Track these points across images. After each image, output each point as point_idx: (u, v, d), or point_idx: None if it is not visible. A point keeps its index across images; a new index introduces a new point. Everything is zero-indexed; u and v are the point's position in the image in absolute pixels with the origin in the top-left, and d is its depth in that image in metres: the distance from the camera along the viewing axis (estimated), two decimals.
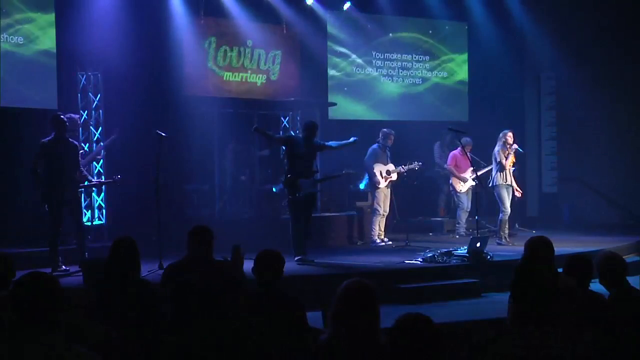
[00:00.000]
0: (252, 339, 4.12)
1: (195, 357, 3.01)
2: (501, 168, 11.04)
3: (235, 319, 4.14)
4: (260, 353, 4.23)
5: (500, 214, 11.14)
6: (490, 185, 11.25)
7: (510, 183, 11.13)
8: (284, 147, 9.88)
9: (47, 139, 8.63)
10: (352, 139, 9.92)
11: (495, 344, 3.23)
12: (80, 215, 9.03)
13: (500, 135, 11.16)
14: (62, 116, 8.80)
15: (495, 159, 11.13)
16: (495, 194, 11.17)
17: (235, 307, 4.64)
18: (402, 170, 11.42)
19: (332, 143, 9.89)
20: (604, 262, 4.74)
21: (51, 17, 10.30)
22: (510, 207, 11.19)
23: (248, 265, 5.19)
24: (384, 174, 11.37)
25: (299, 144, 9.43)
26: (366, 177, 11.82)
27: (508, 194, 11.12)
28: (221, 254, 5.73)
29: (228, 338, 3.02)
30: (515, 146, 11.09)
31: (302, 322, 4.65)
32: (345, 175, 10.08)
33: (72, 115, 9.75)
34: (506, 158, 11.03)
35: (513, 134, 11.21)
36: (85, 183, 9.15)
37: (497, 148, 11.14)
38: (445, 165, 12.51)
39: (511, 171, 11.17)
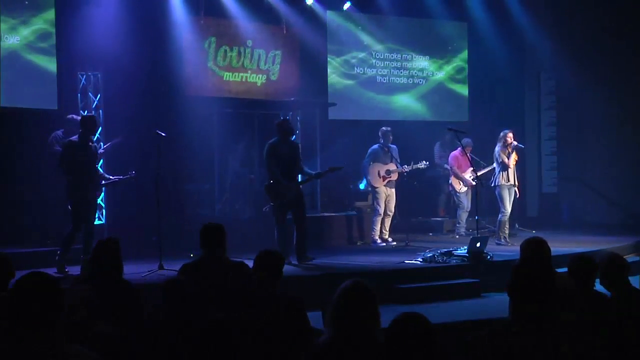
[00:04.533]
0: (253, 338, 4.12)
1: (196, 356, 3.01)
2: (504, 168, 11.03)
3: (237, 319, 4.14)
4: (262, 353, 4.24)
5: (500, 215, 11.13)
6: (492, 185, 11.23)
7: (513, 183, 11.10)
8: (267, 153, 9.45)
9: (73, 138, 8.59)
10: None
11: (493, 342, 3.23)
12: (94, 216, 9.02)
13: (501, 135, 11.16)
14: (92, 115, 8.75)
15: (497, 160, 11.12)
16: (497, 193, 11.16)
17: (248, 309, 4.62)
18: (404, 170, 11.38)
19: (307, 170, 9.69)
20: (604, 263, 4.74)
21: (51, 17, 10.30)
22: (511, 207, 11.17)
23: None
24: (382, 174, 11.34)
25: (278, 146, 9.26)
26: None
27: (510, 195, 11.10)
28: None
29: (230, 337, 3.02)
30: (514, 143, 11.08)
31: (303, 322, 4.65)
32: (331, 171, 9.84)
33: (74, 116, 9.77)
34: (508, 157, 11.03)
35: (513, 134, 11.20)
36: (104, 182, 9.14)
37: (497, 148, 11.13)
38: (446, 165, 12.53)
39: (515, 171, 11.16)
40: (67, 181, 8.54)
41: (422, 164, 11.48)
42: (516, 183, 11.16)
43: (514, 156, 11.09)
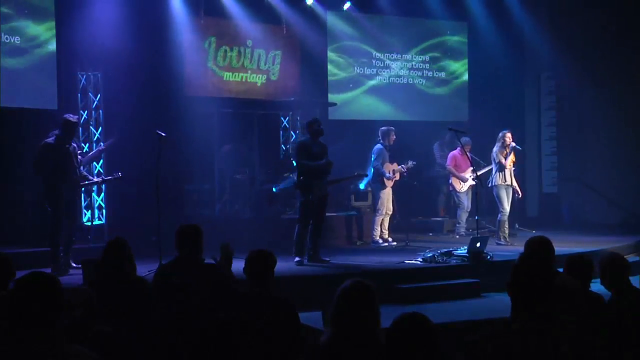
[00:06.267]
0: (244, 339, 4.11)
1: (189, 356, 3.01)
2: (500, 168, 11.05)
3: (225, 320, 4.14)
4: (252, 354, 4.22)
5: (499, 215, 11.14)
6: (489, 185, 11.26)
7: (510, 183, 11.12)
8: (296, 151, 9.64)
9: (50, 139, 8.60)
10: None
11: (493, 342, 3.23)
12: (76, 216, 9.01)
13: (500, 135, 11.17)
14: (72, 119, 8.75)
15: (494, 160, 11.14)
16: (494, 194, 11.18)
17: (224, 309, 4.60)
18: (404, 170, 11.37)
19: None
20: (605, 263, 4.74)
21: (51, 17, 10.30)
22: (510, 207, 11.17)
23: (239, 264, 5.14)
24: (391, 174, 11.36)
25: (311, 145, 9.34)
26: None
27: (507, 195, 11.11)
28: (211, 253, 5.60)
29: (219, 338, 3.02)
30: (513, 144, 11.09)
31: (293, 323, 4.61)
32: (357, 177, 10.05)
33: (71, 116, 9.75)
34: (505, 158, 11.04)
35: (512, 134, 11.21)
36: (86, 182, 9.15)
37: (495, 148, 11.15)
38: (446, 165, 12.53)
39: (512, 171, 11.17)
40: (42, 182, 8.58)
41: (410, 164, 11.44)
42: (514, 183, 11.17)
43: (511, 157, 11.10)
